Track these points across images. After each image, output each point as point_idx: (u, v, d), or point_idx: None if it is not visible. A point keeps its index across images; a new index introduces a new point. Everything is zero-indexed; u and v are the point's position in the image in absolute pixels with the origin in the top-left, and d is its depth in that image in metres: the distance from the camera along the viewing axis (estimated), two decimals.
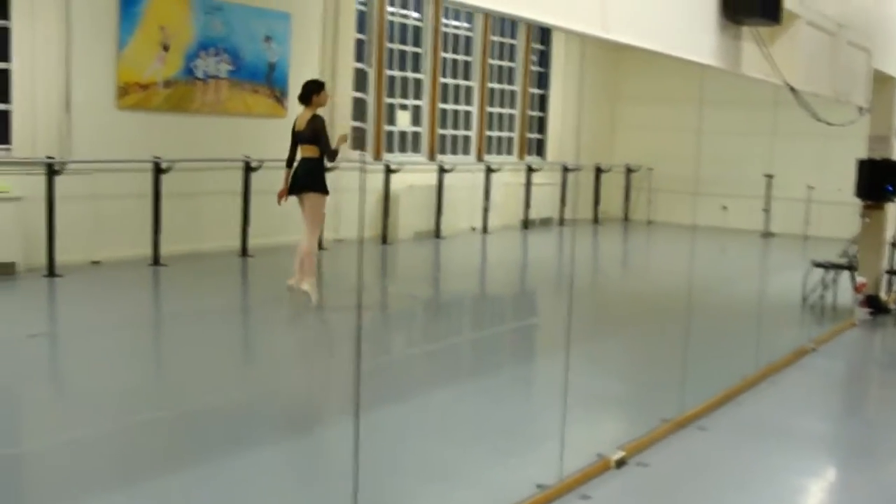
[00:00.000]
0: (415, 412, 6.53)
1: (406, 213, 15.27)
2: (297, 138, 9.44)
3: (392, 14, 15.64)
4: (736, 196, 18.87)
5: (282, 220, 13.29)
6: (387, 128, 15.62)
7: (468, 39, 17.48)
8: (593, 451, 5.55)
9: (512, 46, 18.65)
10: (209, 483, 5.10)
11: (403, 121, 16.15)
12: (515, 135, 18.81)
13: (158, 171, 11.48)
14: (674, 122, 19.66)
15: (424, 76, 16.38)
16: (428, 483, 5.24)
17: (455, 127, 17.36)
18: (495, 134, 18.37)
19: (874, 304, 10.83)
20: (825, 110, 8.98)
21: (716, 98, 18.33)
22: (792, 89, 7.58)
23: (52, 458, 5.42)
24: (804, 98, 7.92)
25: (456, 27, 17.20)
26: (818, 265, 10.98)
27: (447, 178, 15.82)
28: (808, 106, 8.18)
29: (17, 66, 10.61)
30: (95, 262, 11.26)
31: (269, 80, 13.42)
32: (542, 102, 19.60)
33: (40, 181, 10.50)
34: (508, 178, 17.76)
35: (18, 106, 10.68)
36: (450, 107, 17.14)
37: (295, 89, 13.70)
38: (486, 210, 16.83)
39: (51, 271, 10.44)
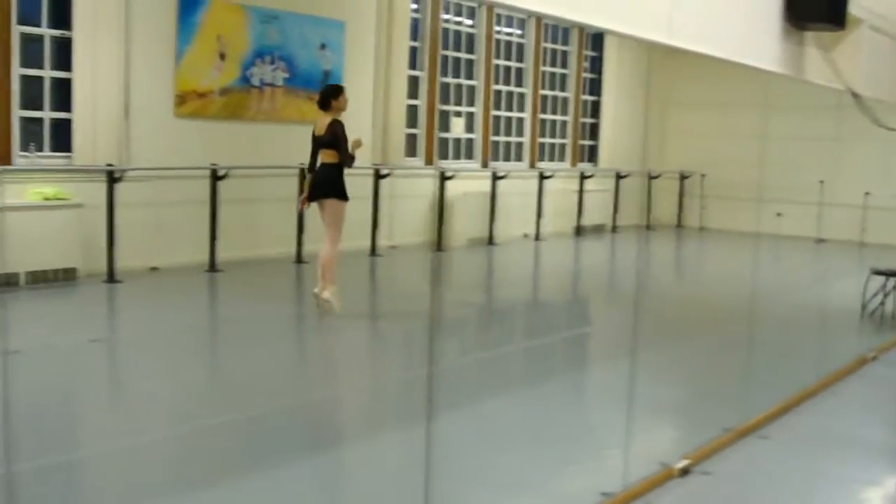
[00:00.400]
0: (474, 420, 6.52)
1: (460, 219, 15.28)
2: (317, 144, 9.30)
3: (446, 21, 15.68)
4: (790, 202, 18.68)
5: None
6: (441, 134, 15.66)
7: (521, 46, 17.48)
8: (656, 459, 5.52)
9: (564, 53, 18.62)
10: (271, 489, 5.13)
11: (458, 128, 16.18)
12: (568, 141, 18.79)
13: (216, 178, 11.60)
14: (727, 128, 19.60)
15: (478, 83, 16.40)
16: (492, 491, 5.23)
17: (508, 134, 17.36)
18: (548, 141, 18.35)
19: None
20: (887, 116, 8.87)
21: (770, 103, 18.30)
22: (854, 94, 7.50)
23: (114, 463, 5.48)
24: (865, 103, 7.83)
25: (508, 34, 17.21)
26: (878, 273, 10.82)
27: (500, 184, 15.82)
28: (869, 111, 8.09)
29: (79, 75, 10.76)
30: (154, 269, 11.39)
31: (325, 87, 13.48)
32: (595, 109, 19.55)
33: (100, 188, 10.65)
34: (561, 185, 17.73)
35: (79, 114, 10.82)
36: (503, 114, 17.15)
37: (350, 97, 13.87)
38: (539, 217, 16.79)
39: (111, 277, 10.57)
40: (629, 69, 19.78)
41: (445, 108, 15.85)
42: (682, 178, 20.31)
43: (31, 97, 10.70)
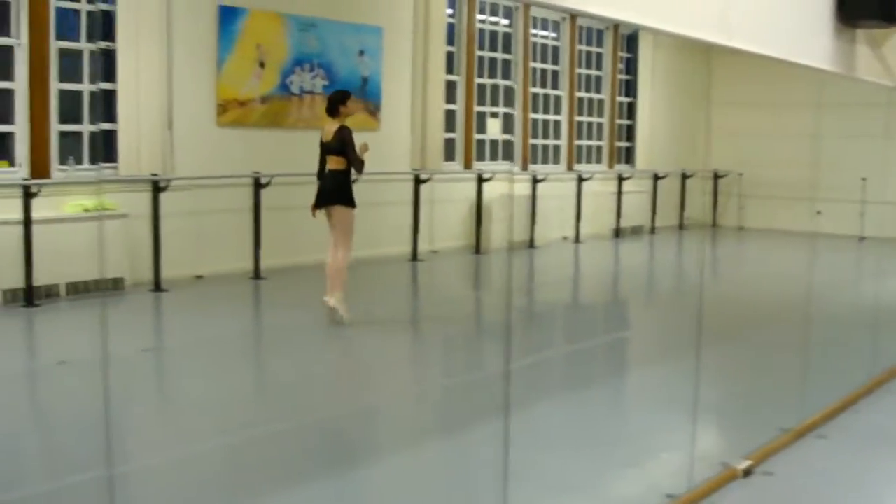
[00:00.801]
0: (528, 423, 6.51)
1: (499, 223, 15.28)
2: (325, 150, 9.16)
3: (482, 22, 15.69)
4: (831, 200, 18.52)
5: (379, 233, 13.46)
6: (477, 136, 15.69)
7: (556, 49, 17.47)
8: (716, 460, 5.51)
9: (599, 55, 18.59)
10: (333, 495, 5.16)
11: (494, 129, 16.18)
12: (605, 143, 18.75)
13: (258, 185, 11.66)
14: (764, 126, 19.49)
15: (516, 84, 16.41)
16: (557, 494, 5.22)
17: (545, 136, 17.35)
18: (585, 143, 18.33)
19: None
20: None
21: (810, 100, 18.17)
22: None
23: (173, 473, 5.52)
24: None
25: (544, 37, 17.20)
26: None
27: (538, 187, 15.81)
28: None
29: (122, 86, 10.86)
30: (199, 277, 11.47)
31: (363, 93, 13.55)
32: (630, 110, 19.50)
33: (144, 198, 10.74)
34: (598, 187, 17.70)
35: (124, 125, 10.91)
36: (539, 116, 17.14)
37: (388, 102, 13.99)
38: (578, 219, 16.76)
39: (157, 286, 10.65)
40: (663, 70, 19.74)
41: (481, 109, 15.86)
42: (717, 177, 20.21)
43: (70, 110, 10.80)
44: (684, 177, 19.55)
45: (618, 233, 17.83)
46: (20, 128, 10.28)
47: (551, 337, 10.08)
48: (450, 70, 15.08)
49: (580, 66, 17.98)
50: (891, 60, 7.11)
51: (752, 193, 19.90)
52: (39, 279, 9.78)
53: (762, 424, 6.36)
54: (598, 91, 18.61)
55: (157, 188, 10.75)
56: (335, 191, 9.13)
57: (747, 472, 5.40)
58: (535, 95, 16.95)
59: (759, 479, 5.39)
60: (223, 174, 11.62)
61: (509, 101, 16.43)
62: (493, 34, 16.06)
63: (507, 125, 16.47)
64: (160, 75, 11.07)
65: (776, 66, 6.32)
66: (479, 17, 15.59)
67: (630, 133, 19.57)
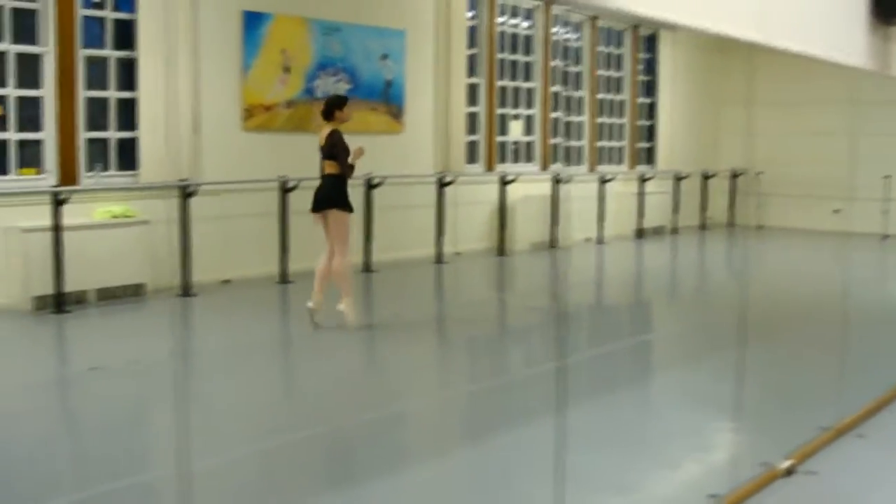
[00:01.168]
0: (571, 423, 6.51)
1: (522, 224, 15.28)
2: (321, 154, 9.11)
3: (502, 24, 15.70)
4: (852, 198, 18.45)
5: (403, 236, 13.50)
6: (499, 138, 15.70)
7: (577, 50, 17.46)
8: (757, 460, 5.49)
9: (619, 56, 18.58)
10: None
11: (516, 131, 16.19)
12: (625, 144, 18.74)
13: (284, 189, 11.69)
14: (783, 125, 19.42)
15: (536, 85, 16.41)
16: (600, 493, 5.22)
17: (567, 137, 17.34)
18: (606, 144, 18.32)
19: None
20: None
21: (830, 98, 18.14)
22: None
23: (211, 477, 5.54)
24: None
25: (566, 39, 17.20)
26: None
27: (560, 188, 15.80)
28: None
29: (145, 94, 10.92)
30: (226, 281, 11.50)
31: (386, 97, 13.58)
32: (651, 111, 19.48)
33: (166, 204, 10.75)
34: (620, 188, 17.69)
35: (145, 132, 10.98)
36: (561, 116, 17.14)
37: (411, 106, 14.02)
38: (601, 220, 16.74)
39: (185, 291, 10.69)
40: (683, 70, 19.73)
41: (503, 111, 15.87)
42: (734, 176, 20.15)
43: (96, 118, 10.88)
44: (705, 177, 19.52)
45: (640, 233, 17.81)
46: (48, 135, 10.35)
47: (586, 338, 10.04)
48: (471, 72, 15.09)
49: (600, 68, 17.97)
50: None
51: (770, 192, 19.83)
52: (69, 285, 9.84)
53: (801, 423, 6.34)
54: (618, 92, 18.59)
55: (184, 194, 10.78)
56: (329, 195, 9.05)
57: (789, 472, 5.39)
58: (556, 95, 16.94)
59: (803, 479, 5.37)
60: (250, 178, 11.64)
61: (532, 104, 16.43)
62: (514, 36, 16.06)
63: (530, 126, 16.47)
64: (186, 81, 11.12)
65: (795, 64, 6.31)
66: (500, 19, 15.60)
67: (650, 133, 19.54)
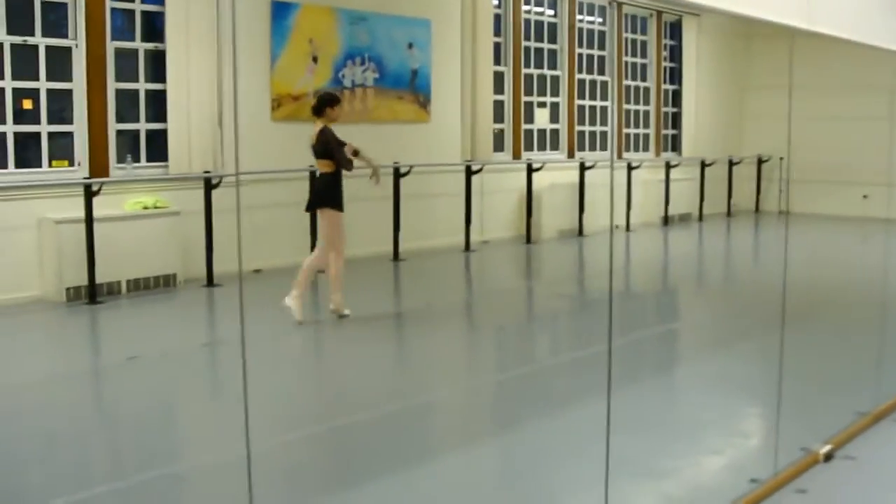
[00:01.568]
0: (604, 410, 6.51)
1: (548, 212, 15.28)
2: (313, 153, 9.04)
3: (527, 12, 15.67)
4: (878, 184, 18.35)
5: (431, 224, 13.52)
6: (525, 126, 15.69)
7: (602, 35, 17.42)
8: (796, 445, 5.49)
9: (644, 42, 18.52)
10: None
11: (542, 118, 16.17)
12: (651, 131, 18.69)
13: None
14: (809, 110, 19.27)
15: (561, 73, 16.38)
16: (642, 478, 5.23)
17: (592, 124, 17.32)
18: (632, 131, 18.28)
19: None
20: None
21: (856, 83, 18.03)
22: None
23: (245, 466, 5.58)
24: None
25: (591, 22, 17.17)
26: None
27: (586, 175, 15.78)
28: None
29: (173, 85, 10.98)
30: (257, 271, 11.54)
31: (413, 86, 13.60)
32: (676, 98, 19.41)
33: (196, 195, 10.82)
34: (646, 175, 17.65)
35: (174, 123, 11.04)
36: (587, 103, 17.12)
37: (438, 94, 14.02)
38: (628, 207, 16.70)
39: (210, 281, 10.74)
40: (707, 56, 19.64)
41: (529, 98, 15.85)
42: (760, 162, 20.05)
43: (126, 110, 10.95)
44: (731, 164, 19.44)
45: (666, 220, 17.77)
46: (79, 127, 10.42)
47: (620, 324, 10.01)
48: (497, 60, 15.08)
49: (626, 55, 17.93)
50: None
51: (796, 178, 19.70)
52: (101, 277, 9.91)
53: (838, 409, 6.34)
54: (643, 79, 18.54)
55: (208, 185, 10.81)
56: (323, 193, 9.02)
57: (828, 457, 5.39)
58: (583, 82, 16.91)
59: (841, 463, 5.37)
60: (279, 168, 11.68)
61: (557, 91, 16.40)
62: (539, 24, 16.04)
63: (555, 114, 16.46)
64: (213, 73, 11.15)
65: (819, 48, 6.28)
66: (525, 7, 15.58)
67: (676, 120, 19.47)
